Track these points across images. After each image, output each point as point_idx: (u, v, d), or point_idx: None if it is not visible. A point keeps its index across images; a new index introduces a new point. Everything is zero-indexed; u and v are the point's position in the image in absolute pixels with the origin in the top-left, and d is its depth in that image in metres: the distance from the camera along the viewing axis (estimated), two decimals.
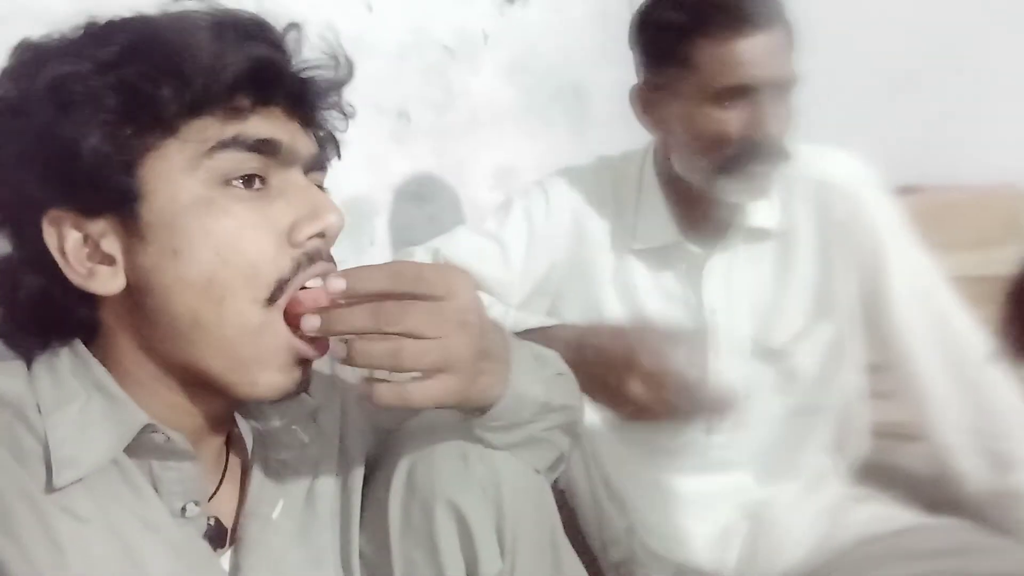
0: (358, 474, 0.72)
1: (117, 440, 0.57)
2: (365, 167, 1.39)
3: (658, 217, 1.13)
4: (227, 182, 0.57)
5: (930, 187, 1.79)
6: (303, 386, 0.62)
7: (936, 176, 1.79)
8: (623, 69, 1.16)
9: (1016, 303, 0.64)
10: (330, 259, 0.61)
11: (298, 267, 0.58)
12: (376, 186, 1.45)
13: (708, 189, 1.07)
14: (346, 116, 0.68)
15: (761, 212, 1.11)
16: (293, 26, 0.63)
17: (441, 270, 0.63)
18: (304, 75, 0.62)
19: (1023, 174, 1.74)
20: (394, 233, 1.48)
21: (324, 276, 0.59)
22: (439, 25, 1.54)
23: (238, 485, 0.67)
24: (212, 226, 0.56)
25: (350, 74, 0.66)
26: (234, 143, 0.57)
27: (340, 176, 0.70)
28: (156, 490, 0.58)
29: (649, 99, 1.09)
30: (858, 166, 1.13)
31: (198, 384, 0.60)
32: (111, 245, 0.57)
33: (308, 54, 0.64)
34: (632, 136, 1.30)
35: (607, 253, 1.15)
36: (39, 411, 0.56)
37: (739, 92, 0.99)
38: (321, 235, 0.59)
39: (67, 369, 0.59)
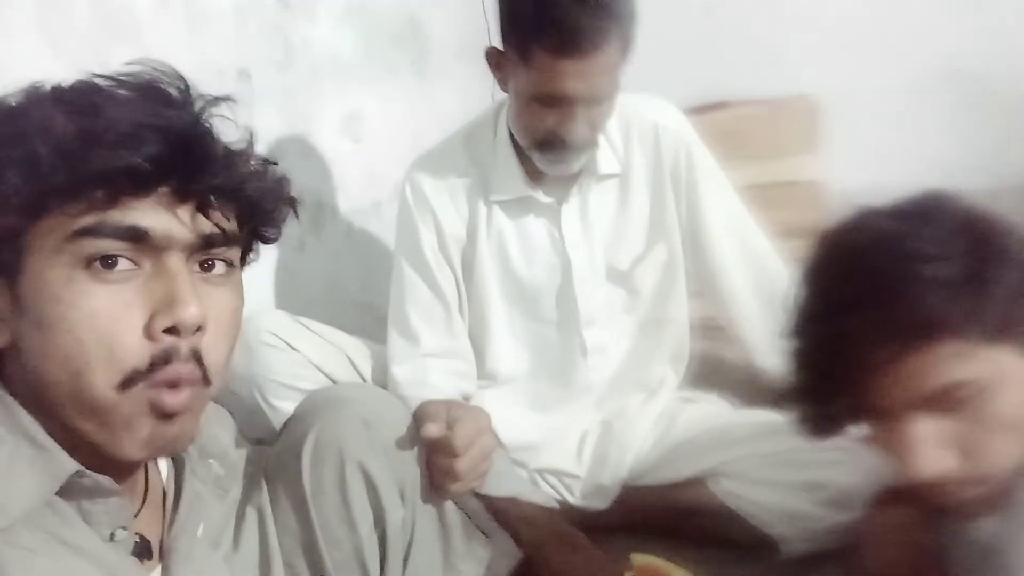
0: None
1: (47, 487, 0.58)
2: None
3: (510, 171, 1.25)
4: (90, 264, 0.57)
5: (735, 102, 1.98)
6: (177, 443, 0.63)
7: (740, 92, 1.97)
8: (459, 1, 1.21)
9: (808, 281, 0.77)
10: (191, 359, 0.60)
11: (152, 365, 0.58)
12: None
13: (529, 155, 1.21)
14: (270, 207, 0.66)
15: (606, 161, 1.26)
16: (214, 101, 0.62)
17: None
18: (200, 166, 0.60)
19: (815, 87, 1.96)
20: None
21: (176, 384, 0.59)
22: None
23: (160, 506, 0.70)
24: (69, 308, 0.57)
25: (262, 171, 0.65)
26: (95, 230, 0.57)
27: None
28: (85, 520, 0.61)
29: (499, 63, 1.19)
30: (678, 113, 1.30)
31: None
32: (2, 303, 0.59)
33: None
34: (472, 73, 1.36)
35: (481, 209, 1.27)
36: None
37: (557, 100, 1.12)
38: (174, 330, 0.58)
39: None
